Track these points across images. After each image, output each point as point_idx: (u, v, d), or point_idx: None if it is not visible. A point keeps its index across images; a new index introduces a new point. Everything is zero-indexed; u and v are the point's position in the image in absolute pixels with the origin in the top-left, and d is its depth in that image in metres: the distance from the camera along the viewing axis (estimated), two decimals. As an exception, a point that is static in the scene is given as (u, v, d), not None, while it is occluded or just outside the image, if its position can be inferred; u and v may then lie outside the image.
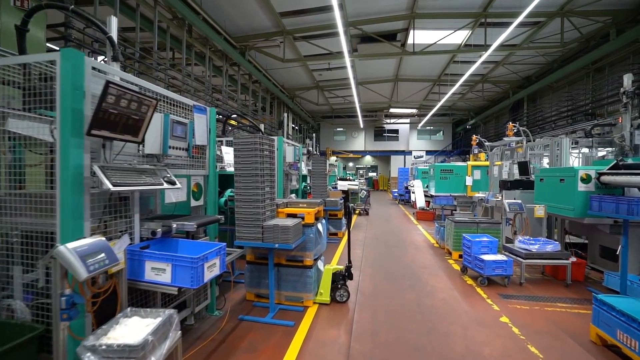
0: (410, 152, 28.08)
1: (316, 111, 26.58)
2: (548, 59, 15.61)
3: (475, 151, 15.36)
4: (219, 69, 13.54)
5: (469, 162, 11.58)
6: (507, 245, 5.39)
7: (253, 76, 15.67)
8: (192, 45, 11.62)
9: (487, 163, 11.57)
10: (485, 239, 5.42)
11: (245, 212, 3.72)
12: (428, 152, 27.97)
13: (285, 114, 10.09)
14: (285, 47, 13.39)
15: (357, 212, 13.15)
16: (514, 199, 6.73)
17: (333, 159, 26.07)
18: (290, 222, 3.79)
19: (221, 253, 2.78)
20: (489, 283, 4.99)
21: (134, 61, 8.78)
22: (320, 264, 4.57)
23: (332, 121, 28.39)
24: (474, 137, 15.48)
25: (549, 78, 15.28)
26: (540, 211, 5.48)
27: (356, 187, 10.57)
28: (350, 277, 4.38)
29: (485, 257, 4.97)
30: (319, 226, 4.42)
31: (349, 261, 4.42)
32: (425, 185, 13.88)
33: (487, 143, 9.60)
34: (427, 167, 15.50)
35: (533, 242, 5.08)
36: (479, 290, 4.80)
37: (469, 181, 11.25)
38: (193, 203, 3.66)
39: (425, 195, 13.27)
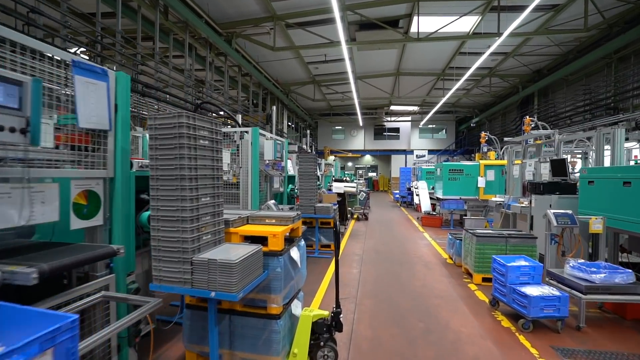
0: (411, 152, 26.57)
1: (313, 108, 25.13)
2: (563, 50, 14.13)
3: (485, 149, 13.94)
4: (204, 60, 12.09)
5: (481, 161, 10.12)
6: (555, 272, 3.93)
7: (243, 68, 14.22)
8: (169, 31, 10.19)
9: (503, 162, 10.11)
10: (524, 262, 3.97)
11: (165, 238, 2.27)
12: (430, 152, 26.47)
13: (274, 107, 8.68)
14: (276, 35, 11.95)
15: (355, 216, 11.70)
16: (550, 206, 5.28)
17: (331, 158, 24.63)
18: (240, 252, 2.34)
19: (58, 342, 1.34)
20: (534, 326, 3.53)
21: (95, 43, 7.36)
22: (295, 305, 3.12)
23: (330, 119, 26.90)
24: (483, 134, 14.05)
25: (564, 70, 13.81)
26: (597, 225, 4.02)
27: (354, 189, 9.16)
28: (339, 327, 2.93)
29: (529, 291, 3.51)
30: (294, 253, 2.97)
31: (337, 305, 2.97)
32: (431, 186, 12.42)
33: (506, 138, 8.14)
34: (433, 167, 14.04)
35: (594, 269, 3.62)
36: (522, 339, 3.34)
37: (481, 182, 9.79)
38: (78, 224, 2.21)
39: (431, 198, 11.82)
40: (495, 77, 17.73)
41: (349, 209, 11.33)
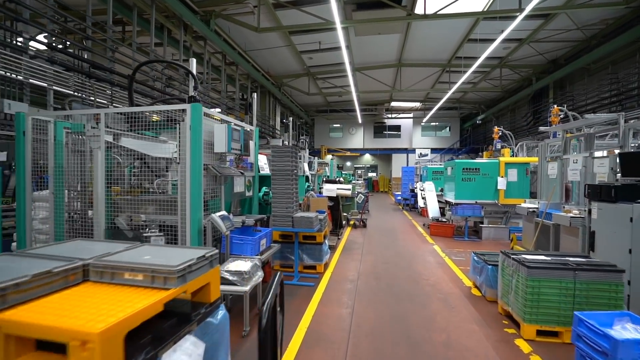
0: (413, 150, 24.76)
1: (309, 105, 23.40)
2: (586, 34, 12.36)
3: (498, 146, 12.20)
4: (177, 42, 10.35)
5: (501, 158, 8.36)
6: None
7: (228, 57, 12.52)
8: (134, 6, 8.48)
9: (531, 159, 8.39)
10: (632, 328, 2.22)
11: None
12: (433, 150, 24.67)
13: (255, 94, 6.96)
14: (261, 15, 10.23)
15: (351, 222, 9.95)
16: (631, 220, 3.53)
17: (329, 157, 22.91)
18: None
19: None
20: None
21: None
22: None
23: (328, 116, 25.07)
24: (496, 128, 12.38)
25: (587, 57, 12.05)
26: None
27: (348, 191, 7.43)
28: None
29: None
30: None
31: None
32: (439, 188, 10.66)
33: (542, 128, 6.38)
34: (441, 166, 12.32)
35: None
36: None
37: (501, 184, 8.03)
38: None
39: (439, 201, 10.07)
40: (506, 69, 15.96)
41: (344, 214, 9.59)
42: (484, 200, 8.16)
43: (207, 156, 3.66)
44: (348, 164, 29.16)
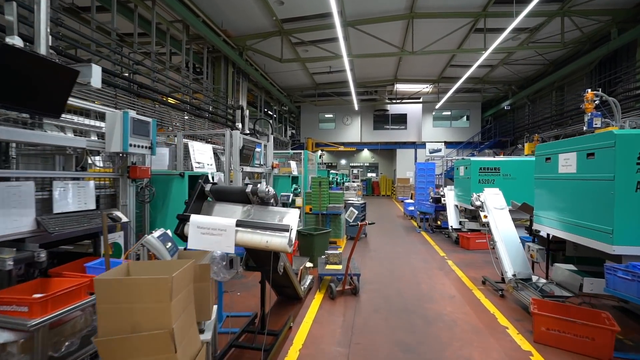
0: (423, 145, 19.07)
1: (293, 87, 17.78)
2: None
3: (597, 124, 6.56)
4: None
5: None
6: None
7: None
8: None
9: None
10: None
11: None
12: (448, 145, 18.98)
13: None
14: None
15: (326, 279, 4.35)
16: None
17: (318, 153, 17.28)
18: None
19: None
20: None
21: None
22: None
23: (317, 101, 19.31)
24: (590, 92, 6.72)
25: None
26: None
27: (282, 240, 1.94)
28: None
29: None
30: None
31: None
32: (513, 203, 5.02)
33: None
34: (501, 158, 6.77)
35: None
36: None
37: None
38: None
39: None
40: (570, 16, 10.27)
41: (307, 265, 4.03)
42: None
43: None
44: (343, 162, 23.51)
